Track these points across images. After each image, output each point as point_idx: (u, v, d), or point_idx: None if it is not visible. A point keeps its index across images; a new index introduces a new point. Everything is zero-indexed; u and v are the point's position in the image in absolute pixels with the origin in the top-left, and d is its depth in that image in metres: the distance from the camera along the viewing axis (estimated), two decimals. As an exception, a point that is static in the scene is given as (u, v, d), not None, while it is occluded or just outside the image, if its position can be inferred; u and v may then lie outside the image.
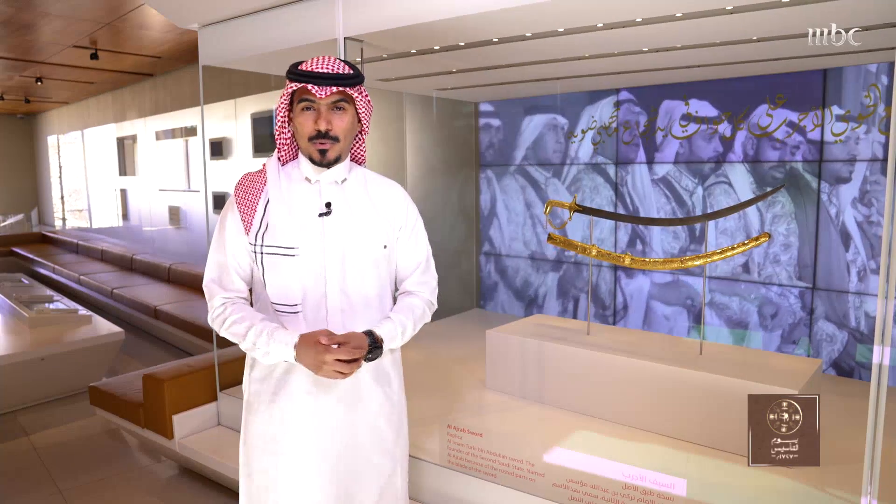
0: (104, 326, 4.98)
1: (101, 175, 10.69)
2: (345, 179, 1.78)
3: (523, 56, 3.45)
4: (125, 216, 9.93)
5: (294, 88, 1.68)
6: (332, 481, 1.76)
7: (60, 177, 12.76)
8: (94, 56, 6.80)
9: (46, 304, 5.54)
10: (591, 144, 4.76)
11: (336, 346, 1.59)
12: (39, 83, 8.91)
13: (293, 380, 1.74)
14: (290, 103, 1.73)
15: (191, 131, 7.81)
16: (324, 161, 1.69)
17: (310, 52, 3.15)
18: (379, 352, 1.68)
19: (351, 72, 1.67)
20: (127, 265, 8.47)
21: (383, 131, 5.01)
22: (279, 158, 1.79)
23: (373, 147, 4.92)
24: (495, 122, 5.36)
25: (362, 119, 1.77)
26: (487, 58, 3.50)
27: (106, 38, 6.30)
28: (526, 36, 2.94)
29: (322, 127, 1.65)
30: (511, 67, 3.76)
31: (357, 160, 1.86)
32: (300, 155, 1.77)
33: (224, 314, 1.71)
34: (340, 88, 1.65)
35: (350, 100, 1.70)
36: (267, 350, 1.64)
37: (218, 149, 6.89)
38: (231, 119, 6.79)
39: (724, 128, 4.10)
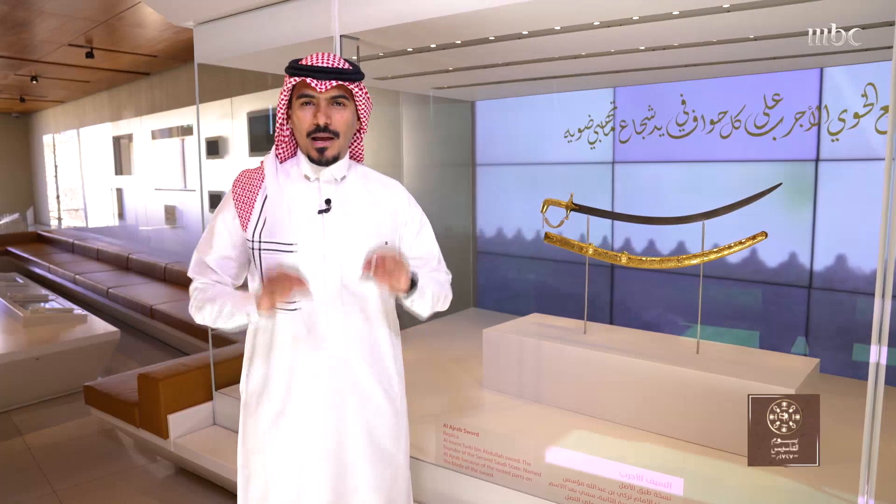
0: (100, 326, 4.97)
1: (97, 174, 10.66)
2: (344, 177, 1.76)
3: (520, 54, 3.45)
4: (121, 215, 9.90)
5: (294, 84, 1.66)
6: (332, 486, 1.74)
7: (56, 176, 12.72)
8: (89, 55, 6.77)
9: (42, 304, 5.52)
10: (588, 143, 4.75)
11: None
12: (35, 82, 8.87)
13: (294, 380, 1.72)
14: (290, 100, 1.71)
15: (187, 130, 7.78)
16: (322, 160, 1.67)
17: (306, 49, 3.14)
18: (413, 291, 1.66)
19: (351, 68, 1.67)
20: (123, 265, 8.44)
21: (380, 130, 5.00)
22: (277, 156, 1.77)
23: (369, 146, 4.90)
24: (492, 120, 5.35)
25: (361, 116, 1.76)
26: (484, 56, 3.49)
27: (101, 36, 6.28)
28: (522, 34, 2.93)
29: (321, 121, 1.63)
30: (508, 66, 3.75)
31: (356, 158, 1.85)
32: (299, 152, 1.76)
33: (201, 293, 1.70)
34: (340, 83, 1.64)
35: (350, 96, 1.69)
36: (232, 309, 1.62)
37: (214, 148, 6.87)
38: (227, 118, 6.77)
39: (721, 127, 4.10)
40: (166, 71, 8.14)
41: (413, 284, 1.65)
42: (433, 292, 1.74)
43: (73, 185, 11.92)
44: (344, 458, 1.75)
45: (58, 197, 12.82)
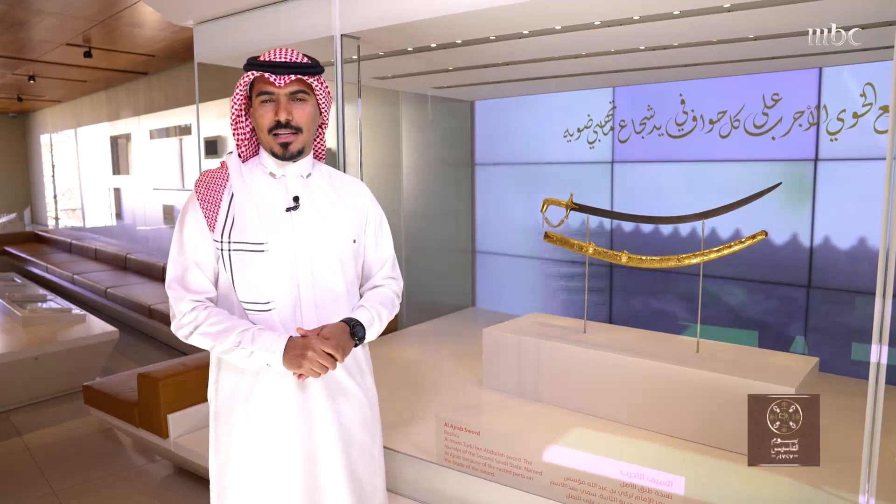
0: (98, 326, 4.95)
1: (95, 174, 10.64)
2: (309, 174, 1.75)
3: (520, 54, 3.45)
4: (119, 215, 9.88)
5: (252, 78, 1.64)
6: (310, 483, 1.70)
7: (53, 176, 12.69)
8: (87, 54, 6.75)
9: (40, 304, 5.51)
10: (587, 143, 4.76)
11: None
12: (32, 81, 8.85)
13: (269, 382, 1.67)
14: (249, 99, 1.69)
15: (185, 130, 7.77)
16: (287, 154, 1.65)
17: (306, 49, 3.14)
18: (363, 335, 1.68)
19: (310, 62, 1.65)
20: (121, 264, 8.43)
21: (380, 130, 4.99)
22: (239, 155, 1.73)
23: (369, 145, 4.91)
24: (491, 120, 5.35)
25: (322, 111, 1.73)
26: (484, 56, 3.49)
27: (100, 36, 6.27)
28: (522, 34, 2.93)
29: (282, 117, 1.61)
30: (508, 66, 3.75)
31: (318, 156, 1.82)
32: (262, 150, 1.73)
33: (196, 319, 1.61)
34: (299, 77, 1.62)
35: (310, 90, 1.66)
36: (252, 350, 1.56)
37: (213, 147, 6.86)
38: (226, 117, 6.75)
39: (720, 126, 4.10)
40: (164, 70, 8.12)
41: (360, 328, 1.69)
42: (381, 326, 1.77)
43: (71, 184, 11.89)
44: (320, 454, 1.71)
45: (55, 197, 12.79)
